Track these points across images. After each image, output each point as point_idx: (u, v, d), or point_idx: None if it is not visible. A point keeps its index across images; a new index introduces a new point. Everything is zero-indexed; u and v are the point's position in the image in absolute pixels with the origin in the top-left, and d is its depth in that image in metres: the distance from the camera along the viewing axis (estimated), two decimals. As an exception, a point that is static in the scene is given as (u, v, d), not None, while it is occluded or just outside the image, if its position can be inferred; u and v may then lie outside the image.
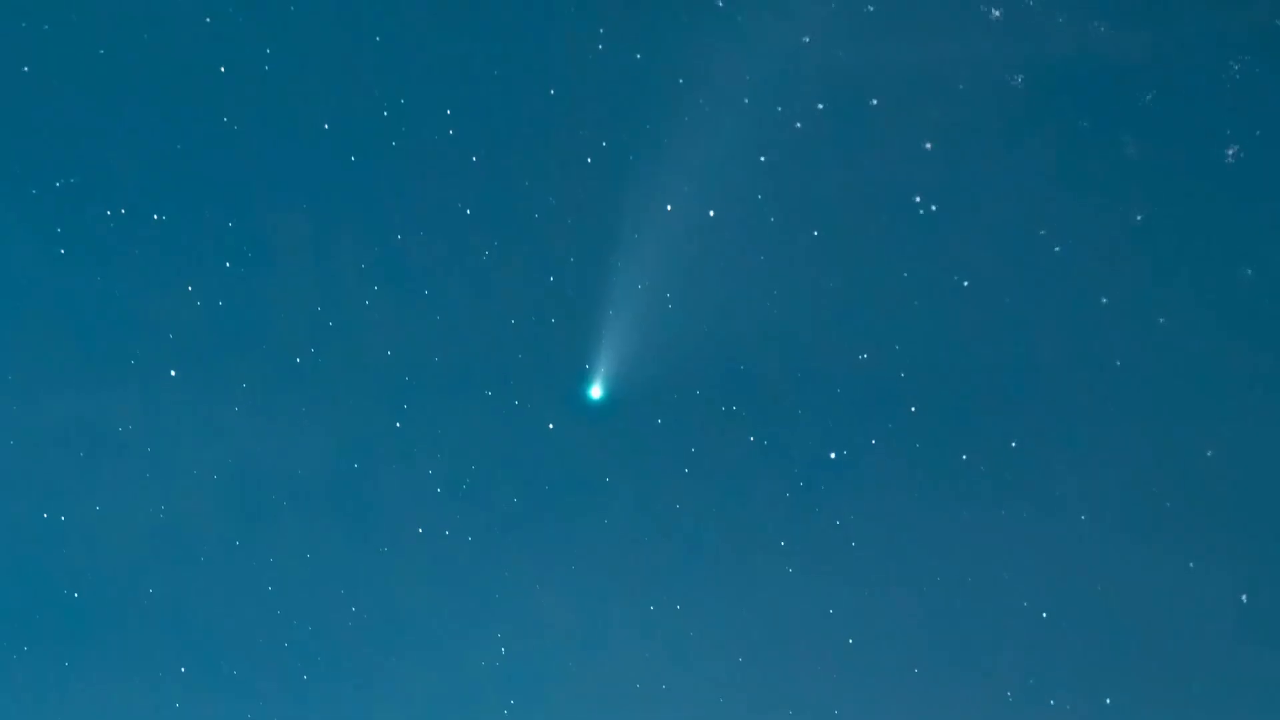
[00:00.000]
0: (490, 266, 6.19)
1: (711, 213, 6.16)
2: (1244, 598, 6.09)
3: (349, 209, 6.20)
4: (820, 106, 6.12)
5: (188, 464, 6.20)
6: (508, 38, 6.15)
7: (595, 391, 6.21)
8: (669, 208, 6.15)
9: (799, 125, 6.12)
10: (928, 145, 6.12)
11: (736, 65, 6.10)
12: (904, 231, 6.13)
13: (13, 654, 6.19)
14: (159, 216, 6.15)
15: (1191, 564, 6.11)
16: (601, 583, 6.30)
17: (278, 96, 6.15)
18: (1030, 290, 6.14)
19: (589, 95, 6.16)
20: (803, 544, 6.23)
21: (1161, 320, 6.09)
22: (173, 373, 6.18)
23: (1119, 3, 6.05)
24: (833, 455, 6.22)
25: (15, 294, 6.15)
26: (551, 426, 6.24)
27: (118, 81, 6.13)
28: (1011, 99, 6.09)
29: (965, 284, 6.15)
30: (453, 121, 6.14)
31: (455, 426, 6.24)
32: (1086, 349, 6.14)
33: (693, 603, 6.29)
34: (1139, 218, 6.07)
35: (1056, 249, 6.10)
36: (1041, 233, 6.10)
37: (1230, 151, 6.04)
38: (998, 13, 6.09)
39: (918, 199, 6.12)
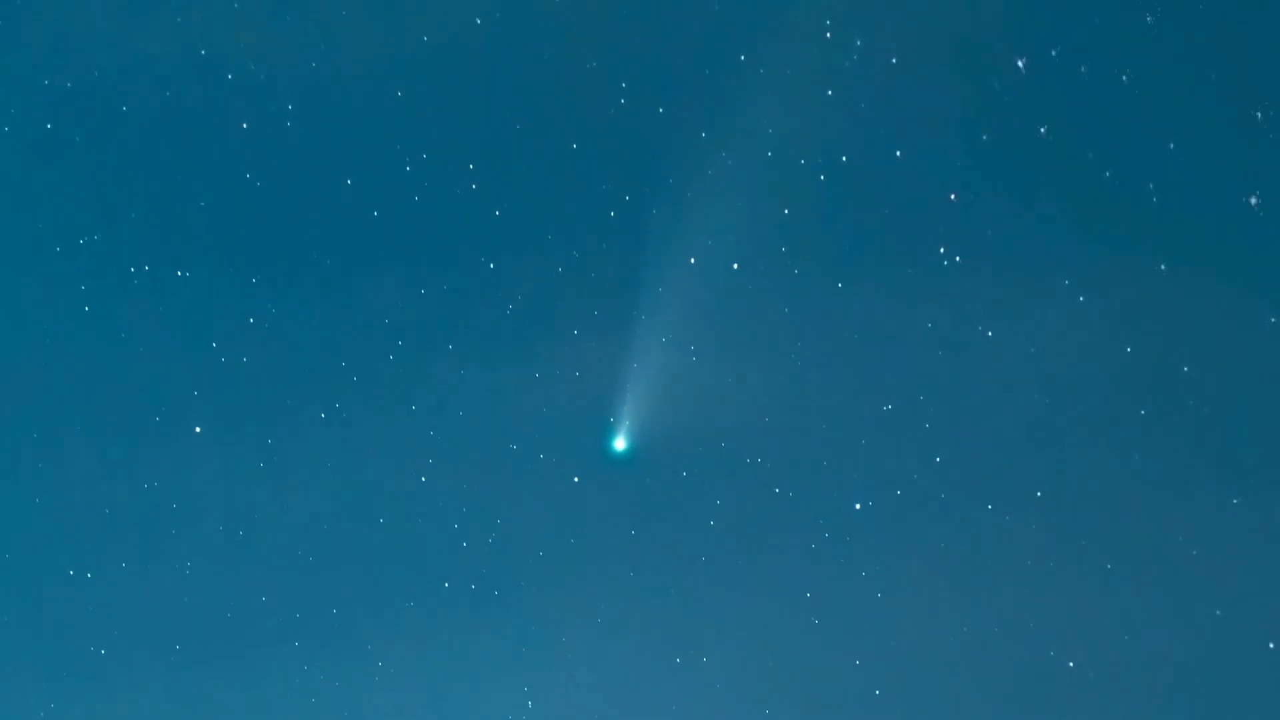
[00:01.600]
0: (514, 320, 6.21)
1: (735, 265, 6.16)
2: (1270, 645, 6.10)
3: (372, 264, 6.22)
4: (843, 159, 6.12)
5: (213, 520, 6.23)
6: (530, 92, 6.16)
7: (619, 444, 6.22)
8: (692, 261, 6.16)
9: (822, 178, 6.13)
10: (952, 196, 6.12)
11: (759, 118, 6.10)
12: (928, 282, 6.13)
13: (40, 711, 6.22)
14: (182, 273, 6.18)
15: (1218, 612, 6.11)
16: (628, 635, 6.31)
17: (300, 153, 6.17)
18: (1054, 340, 6.14)
19: (612, 149, 6.17)
20: (828, 595, 6.24)
21: (1185, 369, 6.08)
22: (198, 429, 6.20)
23: (1141, 53, 6.05)
24: (857, 506, 6.23)
25: (40, 351, 6.18)
26: (576, 480, 6.25)
27: (141, 139, 6.16)
28: (1035, 149, 6.08)
29: (989, 334, 6.15)
30: (475, 176, 6.15)
31: (480, 480, 6.25)
32: (1110, 398, 6.13)
33: (719, 655, 6.30)
34: (1162, 267, 6.08)
35: (1080, 299, 6.10)
36: (1065, 282, 6.10)
37: (1253, 199, 6.04)
38: (1021, 63, 6.09)
39: (942, 250, 6.12)
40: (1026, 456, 6.17)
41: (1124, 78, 6.05)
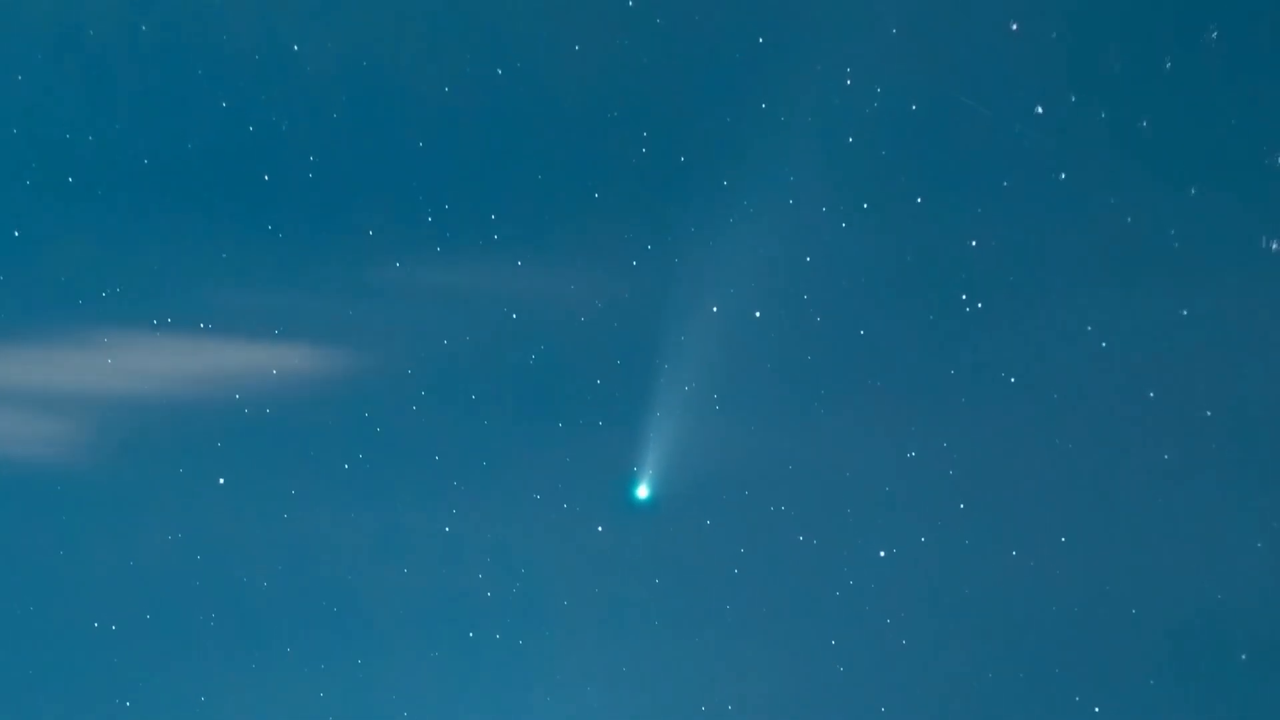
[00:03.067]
0: (536, 370, 6.21)
1: (757, 313, 6.17)
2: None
3: (394, 314, 6.21)
4: (865, 205, 6.13)
5: (237, 572, 6.22)
6: (551, 142, 6.17)
7: (642, 491, 6.21)
8: (714, 309, 6.16)
9: (844, 225, 6.14)
10: (973, 243, 6.13)
11: (780, 166, 6.12)
12: (950, 329, 6.14)
13: (65, 767, 6.21)
14: (205, 325, 6.18)
15: (1244, 656, 6.11)
16: (653, 685, 6.30)
17: (322, 204, 6.17)
18: (1077, 385, 6.14)
19: (633, 198, 6.18)
20: (853, 643, 6.23)
21: (1208, 413, 6.09)
22: (221, 480, 6.20)
23: (1161, 98, 6.06)
24: (882, 554, 6.22)
25: (62, 403, 6.17)
26: (600, 529, 6.24)
27: (162, 191, 6.16)
28: (1056, 195, 6.09)
29: (1012, 380, 6.15)
30: (497, 226, 6.16)
31: (504, 530, 6.25)
32: (1134, 443, 6.13)
33: (744, 703, 6.28)
34: (1184, 312, 6.08)
35: (1103, 344, 6.11)
36: (1088, 328, 6.11)
37: (1275, 245, 6.05)
38: (1041, 109, 6.10)
39: (964, 296, 6.13)
40: (1051, 502, 6.17)
41: (1144, 123, 6.07)
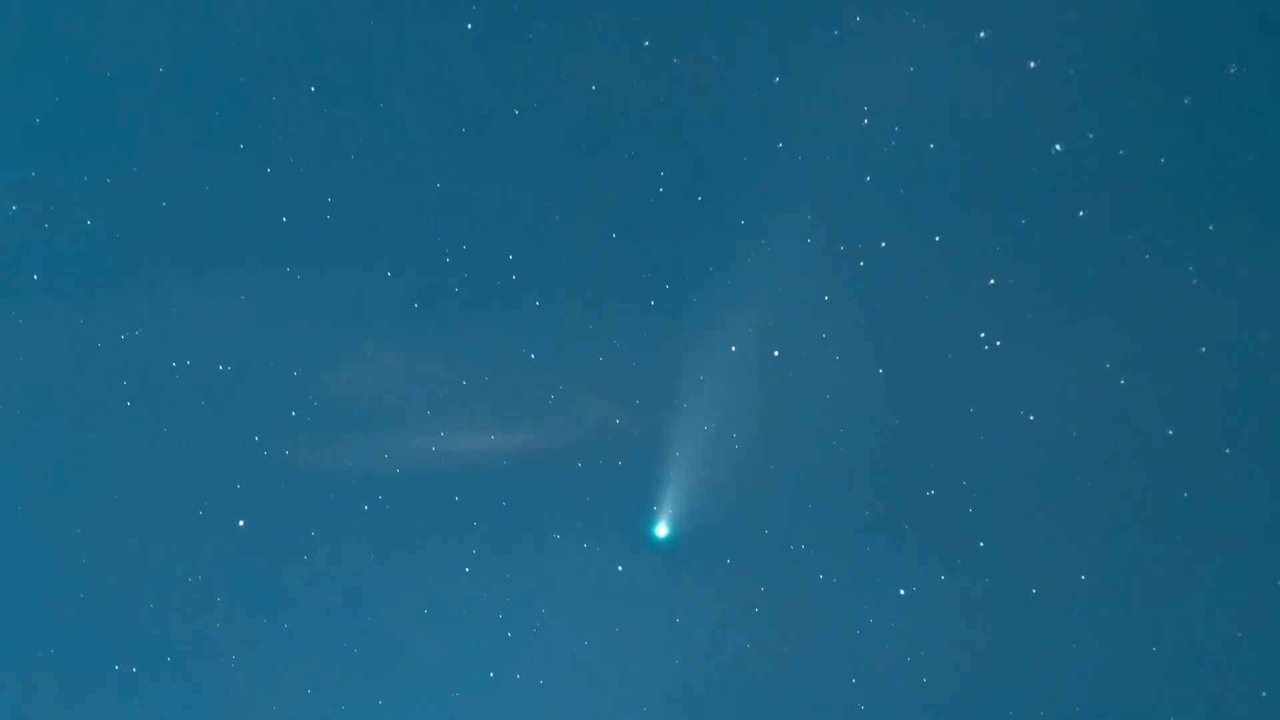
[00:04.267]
0: (555, 409, 6.22)
1: (776, 353, 6.17)
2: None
3: (413, 353, 6.23)
4: (882, 244, 6.13)
5: (257, 613, 6.23)
6: (568, 182, 6.18)
7: (661, 531, 6.22)
8: (733, 348, 6.17)
9: (862, 264, 6.14)
10: (991, 281, 6.13)
11: (798, 205, 6.12)
12: (969, 367, 6.14)
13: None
14: (224, 367, 6.19)
15: (1264, 693, 6.10)
16: (674, 724, 6.33)
17: (340, 245, 6.18)
18: (1096, 423, 6.14)
19: (651, 238, 6.19)
20: (874, 681, 6.23)
21: (1228, 451, 6.08)
22: (241, 523, 6.21)
23: (1179, 135, 6.05)
24: (902, 592, 6.22)
25: (83, 448, 6.19)
26: (620, 569, 6.25)
27: (181, 234, 6.18)
28: (1073, 232, 6.09)
29: (1031, 418, 6.15)
30: (515, 266, 6.17)
31: (524, 570, 6.25)
32: (1153, 482, 6.12)
33: (765, 742, 6.31)
34: (1203, 349, 6.07)
35: (1121, 381, 6.10)
36: (1106, 365, 6.10)
37: (1294, 281, 6.05)
38: (1060, 147, 6.09)
39: (982, 334, 6.13)
40: (1071, 541, 6.16)
41: (1162, 160, 6.06)
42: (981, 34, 6.07)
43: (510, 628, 6.25)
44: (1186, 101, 6.02)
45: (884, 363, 6.17)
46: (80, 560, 6.22)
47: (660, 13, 6.14)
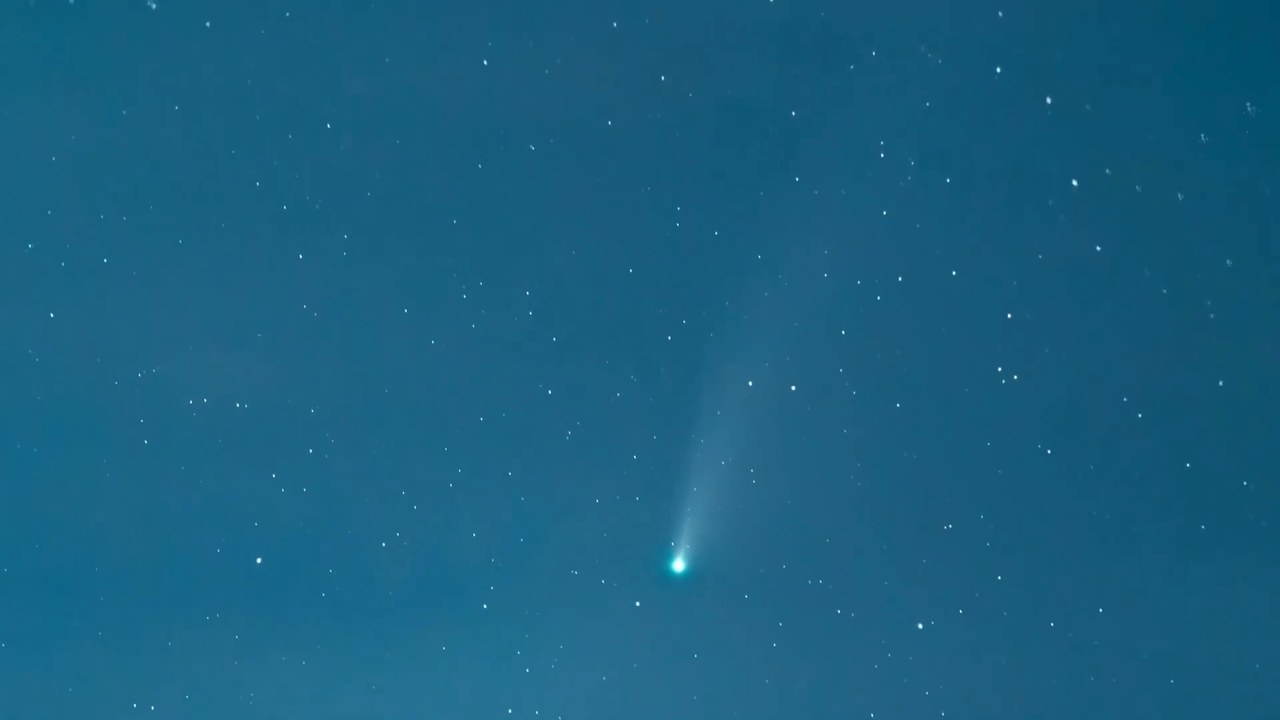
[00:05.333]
0: (573, 446, 6.21)
1: (793, 387, 6.17)
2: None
3: (430, 392, 6.22)
4: (899, 279, 6.13)
5: (276, 651, 6.21)
6: (584, 218, 6.18)
7: (679, 565, 6.22)
8: (750, 384, 6.16)
9: (879, 298, 6.14)
10: (1008, 315, 6.13)
11: (814, 240, 6.12)
12: (986, 402, 6.14)
13: None
14: (241, 405, 6.18)
15: (1283, 725, 6.12)
16: (692, 760, 6.32)
17: (357, 283, 6.18)
18: (1113, 457, 6.14)
19: (667, 273, 6.19)
20: (892, 717, 6.23)
21: (1245, 484, 6.09)
22: (259, 560, 6.20)
23: (1195, 170, 6.06)
24: (920, 626, 6.22)
25: (102, 486, 6.18)
26: (638, 604, 6.24)
27: (197, 272, 6.17)
28: (1091, 267, 6.10)
29: (1049, 452, 6.15)
30: (532, 303, 6.17)
31: (541, 607, 6.24)
32: (1171, 516, 6.13)
33: (784, 777, 6.31)
34: (1220, 383, 6.08)
35: (1139, 415, 6.11)
36: (1124, 399, 6.11)
37: (1312, 314, 6.06)
38: (1076, 182, 6.10)
39: (999, 369, 6.13)
40: (1088, 575, 6.16)
41: (1179, 195, 6.07)
42: (998, 69, 6.08)
43: (528, 664, 6.24)
44: (1203, 138, 6.04)
45: (901, 397, 6.18)
46: (97, 598, 6.20)
47: (676, 48, 6.15)
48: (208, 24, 6.10)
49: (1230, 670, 6.11)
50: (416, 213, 6.17)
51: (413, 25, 6.08)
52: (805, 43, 6.14)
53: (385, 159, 6.14)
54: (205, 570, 6.19)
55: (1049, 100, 6.03)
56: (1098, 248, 6.07)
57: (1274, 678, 6.07)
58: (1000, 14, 6.06)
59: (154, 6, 6.07)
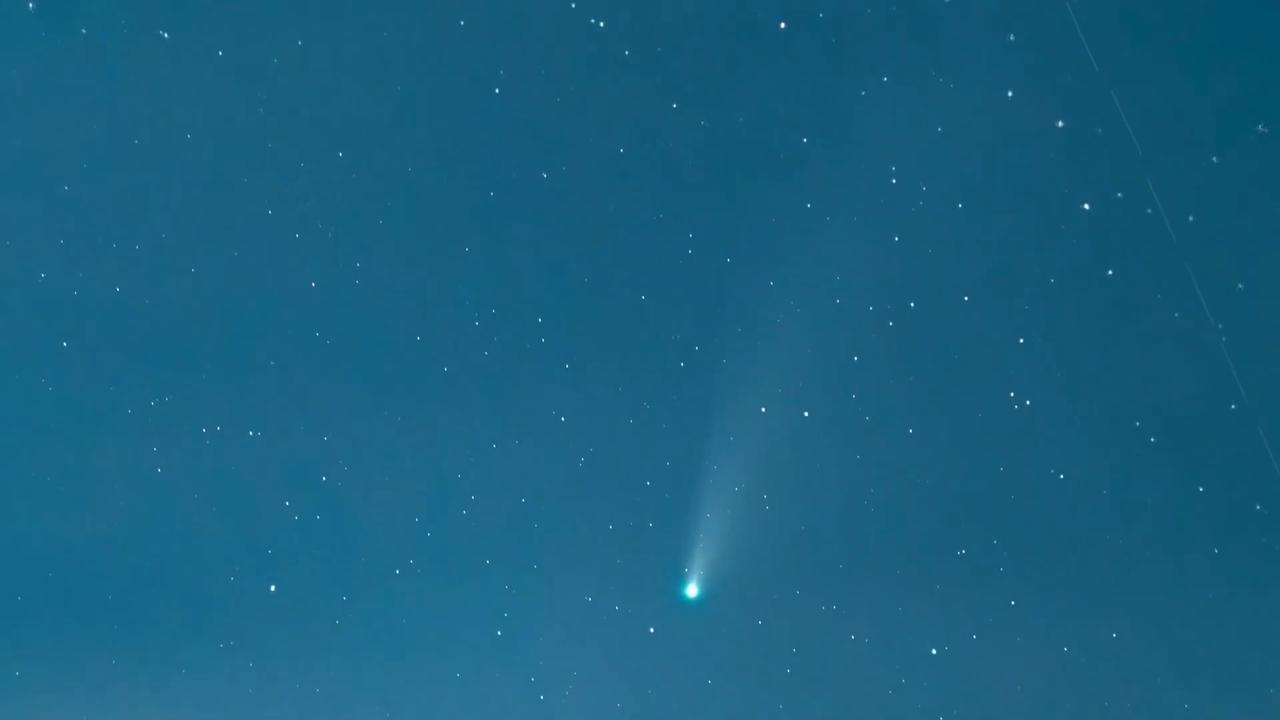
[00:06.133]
0: (587, 473, 6.23)
1: (806, 413, 6.18)
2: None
3: (443, 420, 6.23)
4: (912, 304, 6.13)
5: (291, 680, 6.23)
6: (597, 245, 6.19)
7: (692, 591, 6.22)
8: (763, 409, 6.17)
9: (891, 323, 6.14)
10: (1020, 340, 6.14)
11: (826, 265, 6.12)
12: (998, 427, 6.14)
13: None
14: (254, 433, 6.20)
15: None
16: (707, 786, 6.33)
17: (367, 309, 6.19)
18: (1126, 482, 6.14)
19: (680, 299, 6.19)
20: (907, 741, 6.25)
21: (1258, 507, 6.09)
22: (272, 588, 6.22)
23: (1207, 194, 6.06)
24: (934, 652, 6.23)
25: (113, 513, 6.19)
26: (652, 630, 6.26)
27: (209, 299, 6.19)
28: (1104, 292, 6.09)
29: (1061, 477, 6.16)
30: (545, 330, 6.17)
31: (556, 632, 6.26)
32: (1185, 540, 6.13)
33: (799, 802, 6.31)
34: (1233, 406, 6.08)
35: (1151, 440, 6.11)
36: (1136, 424, 6.11)
37: (1324, 337, 6.05)
38: (1088, 206, 6.10)
39: (1011, 394, 6.13)
40: (1102, 599, 6.17)
41: (1190, 218, 6.07)
42: (1009, 93, 6.08)
43: (543, 690, 6.25)
44: (1214, 160, 6.03)
45: (913, 422, 6.18)
46: (111, 625, 6.23)
47: (688, 75, 6.14)
48: (220, 53, 6.11)
49: (1245, 694, 6.11)
50: (429, 240, 6.18)
51: (424, 54, 6.08)
52: (816, 69, 6.14)
53: (397, 187, 6.15)
54: (219, 598, 6.21)
55: (1060, 124, 6.03)
56: (1109, 271, 6.08)
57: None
58: (1011, 37, 6.06)
59: (166, 35, 6.07)
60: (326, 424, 6.19)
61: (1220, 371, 6.07)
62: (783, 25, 6.11)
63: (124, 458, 6.17)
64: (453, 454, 6.22)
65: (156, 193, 6.17)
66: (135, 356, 6.17)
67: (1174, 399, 6.12)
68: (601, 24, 6.04)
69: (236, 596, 6.19)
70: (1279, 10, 5.95)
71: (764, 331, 6.14)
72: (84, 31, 6.11)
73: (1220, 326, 6.09)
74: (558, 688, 6.25)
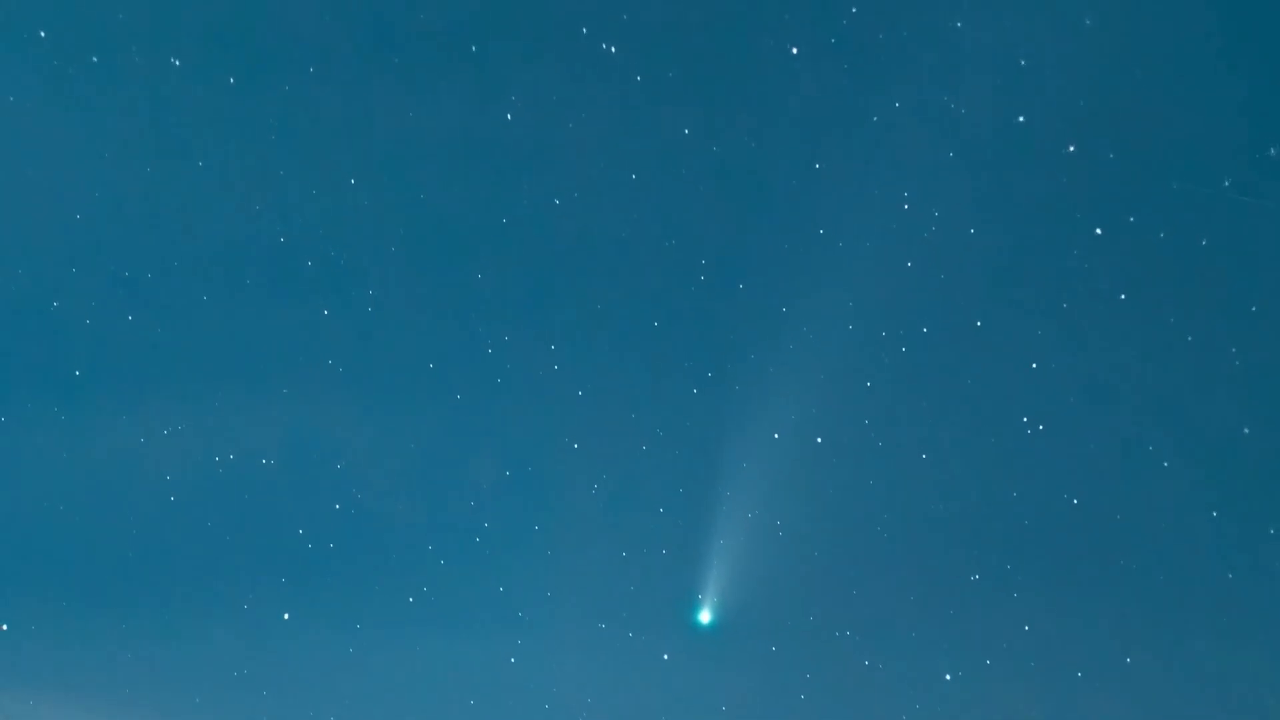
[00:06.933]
0: (600, 500, 6.22)
1: (819, 439, 6.18)
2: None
3: (457, 447, 6.23)
4: (924, 330, 6.13)
5: (304, 707, 6.23)
6: (609, 270, 6.18)
7: (706, 617, 6.22)
8: (776, 436, 6.17)
9: (904, 350, 6.14)
10: (1034, 365, 6.13)
11: (839, 292, 6.12)
12: (1012, 452, 6.14)
13: None
14: (268, 461, 6.19)
15: (1311, 772, 6.11)
16: (722, 812, 6.32)
17: (381, 338, 6.19)
18: (1139, 507, 6.14)
19: (693, 326, 6.19)
20: (921, 767, 6.24)
21: (1272, 531, 6.09)
22: (286, 616, 6.21)
23: (1221, 220, 6.05)
24: (948, 677, 6.22)
25: (129, 542, 6.20)
26: (666, 657, 6.26)
27: (221, 328, 6.18)
28: (1117, 315, 6.09)
29: (1074, 502, 6.15)
30: (557, 357, 6.17)
31: (571, 659, 6.25)
32: (1198, 564, 6.13)
33: (813, 828, 6.30)
34: (1246, 430, 6.07)
35: (1165, 464, 6.11)
36: (1150, 448, 6.10)
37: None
38: (1100, 230, 6.09)
39: (1025, 419, 6.13)
40: (1117, 625, 6.16)
41: (1203, 242, 6.06)
42: (1020, 119, 6.08)
43: (557, 718, 6.26)
44: (1227, 184, 6.03)
45: (927, 448, 6.18)
46: (125, 654, 6.22)
47: (700, 101, 6.14)
48: (231, 80, 6.11)
49: (1256, 715, 6.11)
50: (441, 267, 6.18)
51: (436, 81, 6.08)
52: (828, 95, 6.14)
53: (409, 214, 6.14)
54: (233, 626, 6.20)
55: (1072, 149, 6.03)
56: (1122, 296, 6.07)
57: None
58: (1022, 63, 6.06)
59: (177, 63, 6.07)
60: (340, 452, 6.19)
61: (1233, 396, 6.08)
62: (794, 51, 6.11)
63: (137, 487, 6.17)
64: (466, 481, 6.22)
65: (168, 220, 6.16)
66: (148, 385, 6.16)
67: (1187, 423, 6.12)
68: (613, 49, 6.04)
69: (250, 624, 6.19)
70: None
71: (777, 357, 6.14)
72: (95, 59, 6.11)
73: (1233, 350, 6.10)
74: (572, 715, 6.25)
